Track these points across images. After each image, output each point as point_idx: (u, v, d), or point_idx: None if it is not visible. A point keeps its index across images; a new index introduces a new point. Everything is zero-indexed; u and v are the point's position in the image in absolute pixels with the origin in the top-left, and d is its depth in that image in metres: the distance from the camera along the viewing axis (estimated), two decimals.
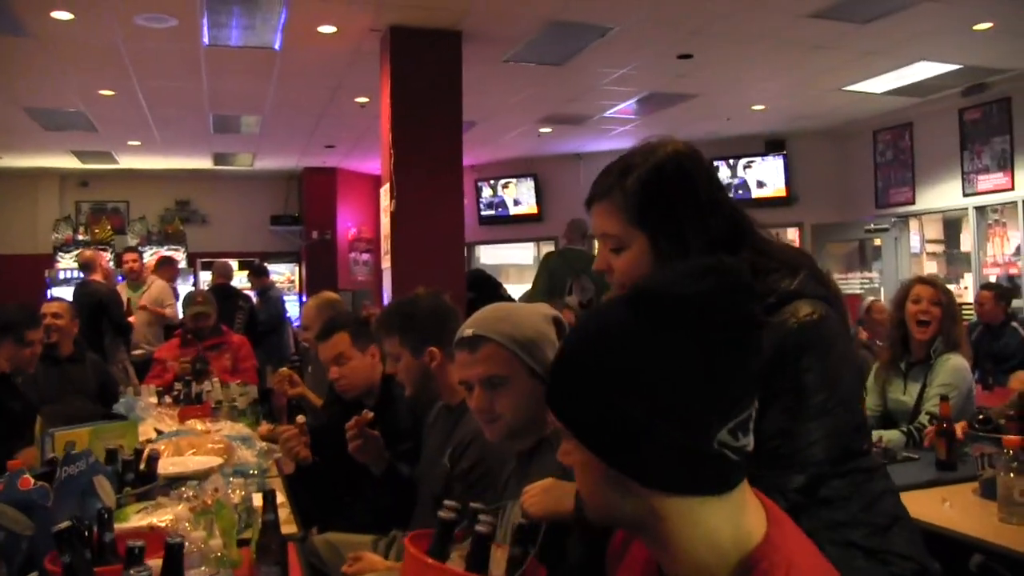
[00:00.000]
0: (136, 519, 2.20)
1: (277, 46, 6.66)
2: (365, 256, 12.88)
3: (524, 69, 7.45)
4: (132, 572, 1.40)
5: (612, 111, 9.31)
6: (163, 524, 2.12)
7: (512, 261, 13.18)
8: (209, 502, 2.14)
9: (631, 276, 1.50)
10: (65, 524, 1.55)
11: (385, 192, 6.56)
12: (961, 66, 7.74)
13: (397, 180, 6.31)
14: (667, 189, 1.47)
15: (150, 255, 11.38)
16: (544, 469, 1.93)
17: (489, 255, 13.06)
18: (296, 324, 9.15)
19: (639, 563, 1.20)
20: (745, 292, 1.02)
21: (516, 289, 8.64)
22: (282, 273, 12.62)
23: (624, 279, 1.52)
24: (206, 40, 6.46)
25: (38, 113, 8.70)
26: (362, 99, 8.39)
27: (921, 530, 1.68)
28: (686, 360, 0.97)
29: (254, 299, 8.79)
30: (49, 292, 11.21)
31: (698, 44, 6.86)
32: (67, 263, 11.54)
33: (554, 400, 1.06)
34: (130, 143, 10.48)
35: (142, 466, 2.57)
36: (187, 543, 1.67)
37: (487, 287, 6.41)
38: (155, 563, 1.54)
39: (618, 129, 10.25)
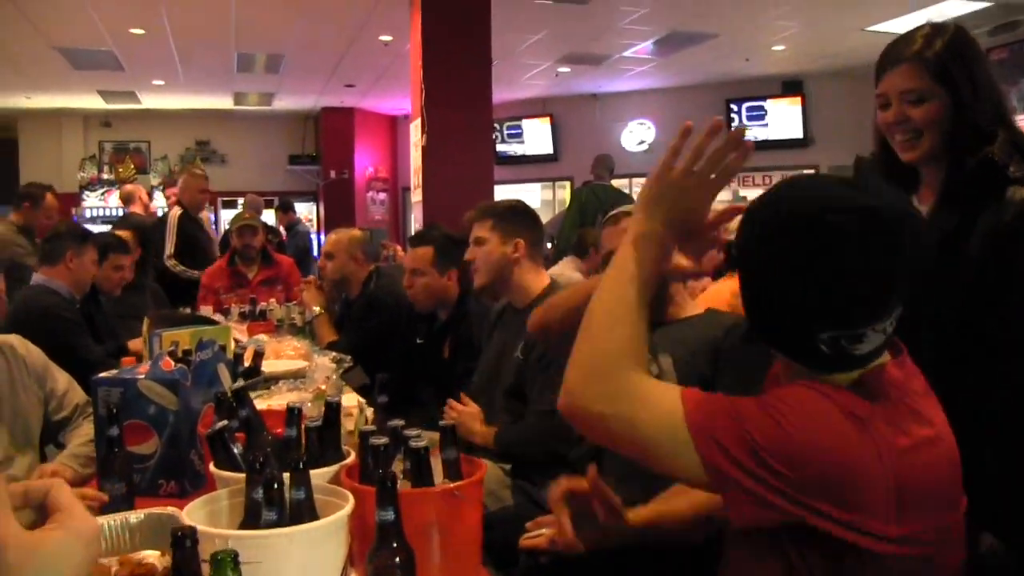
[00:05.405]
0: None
1: None
2: (382, 196, 13.07)
3: (547, 7, 7.60)
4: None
5: (631, 51, 9.44)
6: (279, 408, 2.39)
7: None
8: (324, 387, 2.41)
9: (928, 123, 1.79)
10: (239, 384, 1.82)
11: (416, 127, 6.76)
12: (992, 3, 7.68)
13: (428, 116, 6.51)
14: (967, 54, 1.79)
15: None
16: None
17: (498, 195, 13.15)
18: None
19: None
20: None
21: None
22: (300, 212, 12.81)
23: (921, 125, 1.80)
24: None
25: (68, 52, 8.87)
26: (386, 37, 8.54)
27: None
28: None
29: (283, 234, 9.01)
30: None
31: None
32: (93, 201, 11.76)
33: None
34: (154, 82, 10.66)
35: (247, 362, 2.84)
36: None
37: None
38: None
39: (635, 69, 10.40)
